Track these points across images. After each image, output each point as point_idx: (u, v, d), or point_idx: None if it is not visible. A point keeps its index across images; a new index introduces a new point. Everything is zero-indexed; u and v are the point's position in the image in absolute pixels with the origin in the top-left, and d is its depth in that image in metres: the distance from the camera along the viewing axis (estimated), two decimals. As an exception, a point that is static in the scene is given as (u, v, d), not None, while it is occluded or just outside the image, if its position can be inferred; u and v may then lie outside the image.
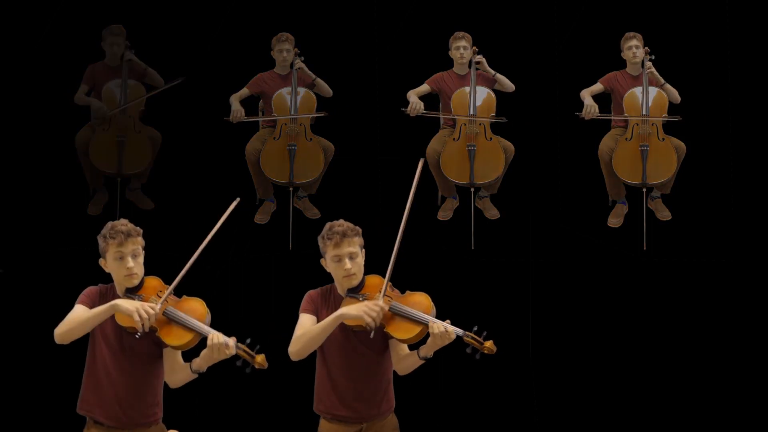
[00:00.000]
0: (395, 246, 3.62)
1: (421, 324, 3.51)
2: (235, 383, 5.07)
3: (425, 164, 3.78)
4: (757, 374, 5.34)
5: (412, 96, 6.27)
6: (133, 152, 6.18)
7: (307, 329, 3.57)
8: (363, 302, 3.53)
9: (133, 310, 3.42)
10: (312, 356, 3.65)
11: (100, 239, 3.63)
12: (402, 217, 3.74)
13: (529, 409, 5.25)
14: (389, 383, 3.73)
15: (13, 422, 5.11)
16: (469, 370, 4.35)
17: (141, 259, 3.61)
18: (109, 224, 3.63)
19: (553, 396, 5.28)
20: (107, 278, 3.67)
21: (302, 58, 6.34)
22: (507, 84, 6.33)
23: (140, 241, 3.62)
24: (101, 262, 3.64)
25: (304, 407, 3.77)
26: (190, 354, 3.61)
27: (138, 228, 3.64)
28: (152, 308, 3.45)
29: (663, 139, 6.10)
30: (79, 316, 3.49)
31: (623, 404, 5.23)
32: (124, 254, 3.55)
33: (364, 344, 3.60)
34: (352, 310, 3.50)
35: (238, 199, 3.85)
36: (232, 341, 3.42)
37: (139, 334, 3.46)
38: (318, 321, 3.62)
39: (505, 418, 5.22)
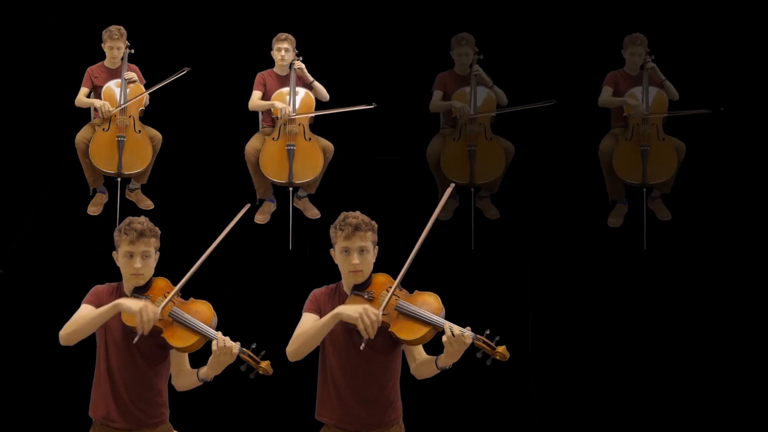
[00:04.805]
0: (412, 252, 3.47)
1: (428, 325, 3.33)
2: (238, 387, 5.07)
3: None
4: (757, 374, 5.34)
5: (456, 102, 6.19)
6: (133, 152, 6.19)
7: (305, 328, 3.44)
8: (363, 305, 3.35)
9: (137, 309, 3.39)
10: (316, 361, 3.59)
11: (115, 232, 3.60)
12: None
13: (528, 410, 5.24)
14: (396, 391, 3.56)
15: (12, 422, 5.11)
16: (467, 370, 4.33)
17: (152, 261, 3.58)
18: (128, 219, 3.61)
19: (553, 396, 5.27)
20: (112, 277, 3.68)
21: (301, 59, 6.34)
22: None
23: (154, 242, 3.58)
24: (114, 254, 3.63)
25: (308, 414, 3.70)
26: (196, 359, 3.61)
27: (155, 228, 3.61)
28: (154, 313, 3.41)
29: (663, 139, 6.10)
30: (84, 317, 3.46)
31: (623, 404, 5.23)
32: (134, 254, 3.53)
33: (367, 345, 3.42)
34: (350, 311, 3.34)
35: (248, 205, 3.80)
36: (236, 346, 3.38)
37: (136, 339, 3.44)
38: None
39: (505, 419, 5.21)
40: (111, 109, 6.16)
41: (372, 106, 6.13)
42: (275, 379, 3.55)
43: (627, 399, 5.25)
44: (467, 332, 3.27)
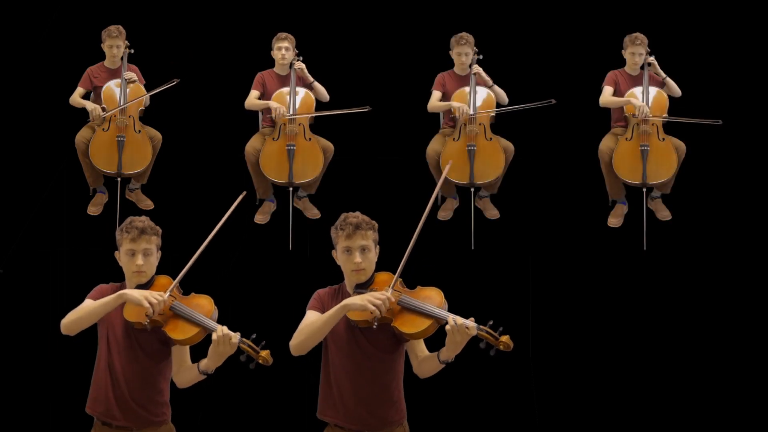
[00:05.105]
0: (410, 243, 3.50)
1: (430, 318, 3.33)
2: (238, 385, 5.08)
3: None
4: (757, 374, 5.34)
5: (454, 102, 6.21)
6: (133, 152, 6.19)
7: (310, 321, 3.44)
8: (368, 292, 3.39)
9: (141, 297, 3.44)
10: (317, 359, 3.58)
11: (117, 231, 3.65)
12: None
13: (529, 410, 5.24)
14: (399, 391, 3.56)
15: (12, 422, 5.11)
16: (467, 370, 4.33)
17: (153, 259, 3.63)
18: (129, 218, 3.65)
19: (553, 396, 5.27)
20: (112, 277, 3.68)
21: (301, 59, 6.34)
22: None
23: (155, 240, 3.63)
24: (116, 254, 3.66)
25: (309, 413, 3.70)
26: (197, 354, 3.61)
27: (156, 227, 3.65)
28: (161, 295, 3.47)
29: (663, 139, 6.10)
30: (88, 306, 3.51)
31: (623, 403, 5.23)
32: (135, 251, 3.58)
33: (370, 343, 3.45)
34: (357, 300, 3.35)
35: (244, 193, 3.81)
36: (236, 335, 3.40)
37: (147, 323, 3.45)
38: None
39: (506, 419, 5.21)
40: (101, 114, 6.17)
41: (366, 109, 6.14)
42: (276, 377, 3.55)
43: (627, 398, 5.24)
44: (470, 323, 3.27)
